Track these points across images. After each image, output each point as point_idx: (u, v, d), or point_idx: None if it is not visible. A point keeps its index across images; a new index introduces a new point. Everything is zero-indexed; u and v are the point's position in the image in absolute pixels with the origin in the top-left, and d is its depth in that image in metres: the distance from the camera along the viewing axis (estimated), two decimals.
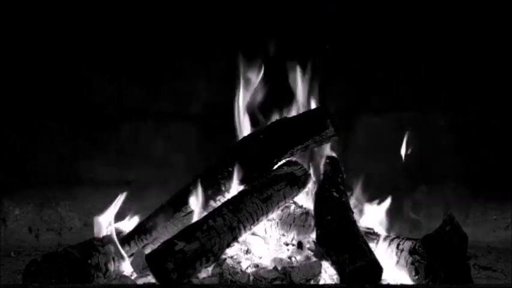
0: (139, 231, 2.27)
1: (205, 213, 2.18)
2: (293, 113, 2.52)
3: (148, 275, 2.06)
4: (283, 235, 2.30)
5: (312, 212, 2.27)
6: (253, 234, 2.29)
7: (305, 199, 2.39)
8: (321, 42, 2.89)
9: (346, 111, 3.00)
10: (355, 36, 2.98)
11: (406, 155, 2.66)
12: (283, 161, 2.34)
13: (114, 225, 2.29)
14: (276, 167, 2.32)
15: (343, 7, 2.95)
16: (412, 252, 2.04)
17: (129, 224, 2.38)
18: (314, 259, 2.15)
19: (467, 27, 2.99)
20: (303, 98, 2.56)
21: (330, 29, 2.94)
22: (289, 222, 2.30)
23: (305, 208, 2.33)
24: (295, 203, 2.35)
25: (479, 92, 3.03)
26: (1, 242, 2.90)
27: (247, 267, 2.11)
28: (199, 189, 2.25)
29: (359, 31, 2.98)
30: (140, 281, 2.08)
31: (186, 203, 2.27)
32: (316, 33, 2.91)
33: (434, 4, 2.97)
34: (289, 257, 2.18)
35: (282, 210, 2.30)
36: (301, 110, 2.52)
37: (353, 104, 3.03)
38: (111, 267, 2.17)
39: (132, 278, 2.13)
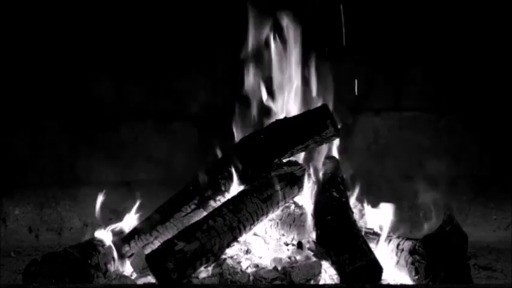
0: (139, 231, 2.27)
1: (205, 213, 2.18)
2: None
3: (148, 275, 2.05)
4: (283, 235, 2.30)
5: (312, 212, 2.27)
6: (254, 234, 2.29)
7: (305, 199, 2.39)
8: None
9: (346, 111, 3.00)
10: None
11: None
12: (284, 161, 2.34)
13: (114, 226, 2.30)
14: (276, 167, 2.32)
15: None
16: (412, 252, 2.04)
17: (129, 223, 2.38)
18: (314, 259, 2.14)
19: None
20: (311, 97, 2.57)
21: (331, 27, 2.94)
22: (289, 222, 2.30)
23: (305, 208, 2.33)
24: (295, 203, 2.35)
25: (479, 93, 3.04)
26: (1, 242, 2.90)
27: (247, 267, 2.11)
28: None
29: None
30: (140, 281, 2.08)
31: (186, 202, 2.27)
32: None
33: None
34: (289, 257, 2.18)
35: (282, 210, 2.30)
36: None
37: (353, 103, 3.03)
38: (111, 267, 2.17)
39: (132, 278, 2.13)
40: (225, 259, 2.10)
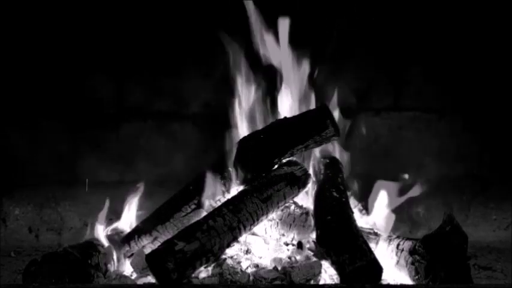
0: (139, 231, 2.27)
1: (205, 213, 2.18)
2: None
3: (149, 275, 2.06)
4: (283, 235, 2.30)
5: (312, 212, 2.27)
6: (253, 234, 2.29)
7: (305, 199, 2.39)
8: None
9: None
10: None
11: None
12: (284, 161, 2.34)
13: (113, 226, 2.30)
14: (276, 167, 2.32)
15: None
16: (412, 252, 2.04)
17: (129, 223, 2.38)
18: (314, 259, 2.15)
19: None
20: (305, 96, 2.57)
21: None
22: (289, 222, 2.30)
23: (305, 208, 2.33)
24: (295, 203, 2.35)
25: (479, 93, 3.04)
26: (1, 242, 2.90)
27: (247, 267, 2.11)
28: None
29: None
30: (140, 281, 2.08)
31: (185, 203, 2.27)
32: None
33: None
34: (289, 257, 2.18)
35: (282, 210, 2.30)
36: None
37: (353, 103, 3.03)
38: (111, 267, 2.17)
39: (132, 278, 2.13)
40: (225, 259, 2.10)
